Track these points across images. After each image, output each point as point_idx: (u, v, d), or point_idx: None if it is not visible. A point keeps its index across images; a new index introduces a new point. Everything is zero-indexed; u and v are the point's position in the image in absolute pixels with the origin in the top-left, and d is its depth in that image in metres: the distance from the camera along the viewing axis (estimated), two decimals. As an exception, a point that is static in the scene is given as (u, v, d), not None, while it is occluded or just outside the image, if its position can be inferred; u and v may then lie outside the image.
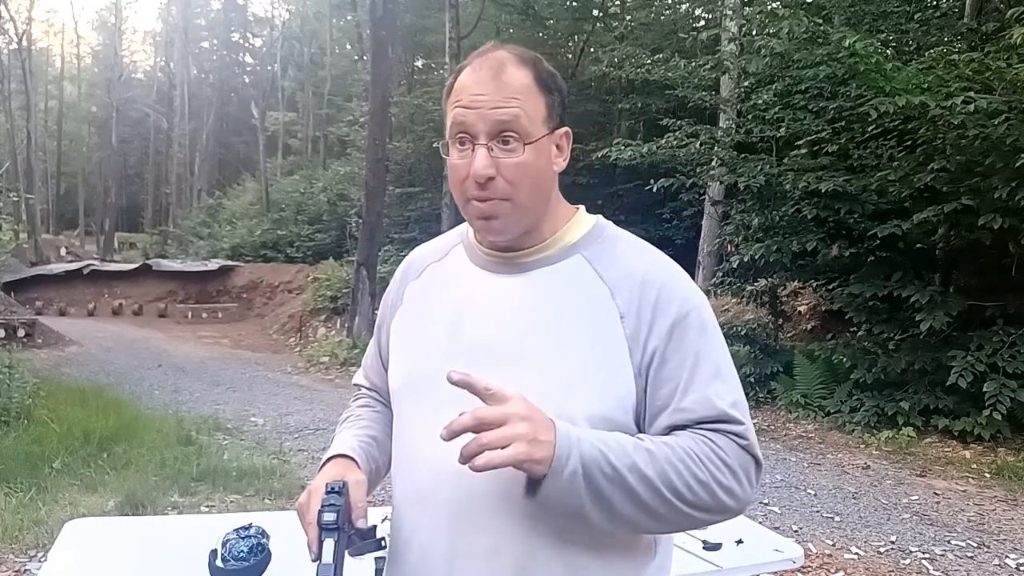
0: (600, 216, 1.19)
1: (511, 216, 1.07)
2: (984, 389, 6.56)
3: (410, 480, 1.13)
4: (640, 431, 1.05)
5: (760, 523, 2.87)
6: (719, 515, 1.03)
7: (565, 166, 1.13)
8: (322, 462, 1.15)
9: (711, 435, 1.02)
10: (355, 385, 1.39)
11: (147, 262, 22.50)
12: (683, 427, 1.03)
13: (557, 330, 1.06)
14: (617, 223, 1.20)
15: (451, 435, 0.92)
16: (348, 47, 28.76)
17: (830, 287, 8.75)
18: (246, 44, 44.61)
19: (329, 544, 0.97)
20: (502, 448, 0.91)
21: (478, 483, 0.99)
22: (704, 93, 10.22)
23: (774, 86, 8.74)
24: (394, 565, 1.16)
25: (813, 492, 5.51)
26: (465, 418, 0.92)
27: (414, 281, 1.23)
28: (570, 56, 18.07)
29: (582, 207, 1.19)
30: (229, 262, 21.63)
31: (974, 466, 6.27)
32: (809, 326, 9.98)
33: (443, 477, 1.04)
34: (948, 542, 4.58)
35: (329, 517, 0.98)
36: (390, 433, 1.23)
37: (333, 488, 1.01)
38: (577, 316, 1.07)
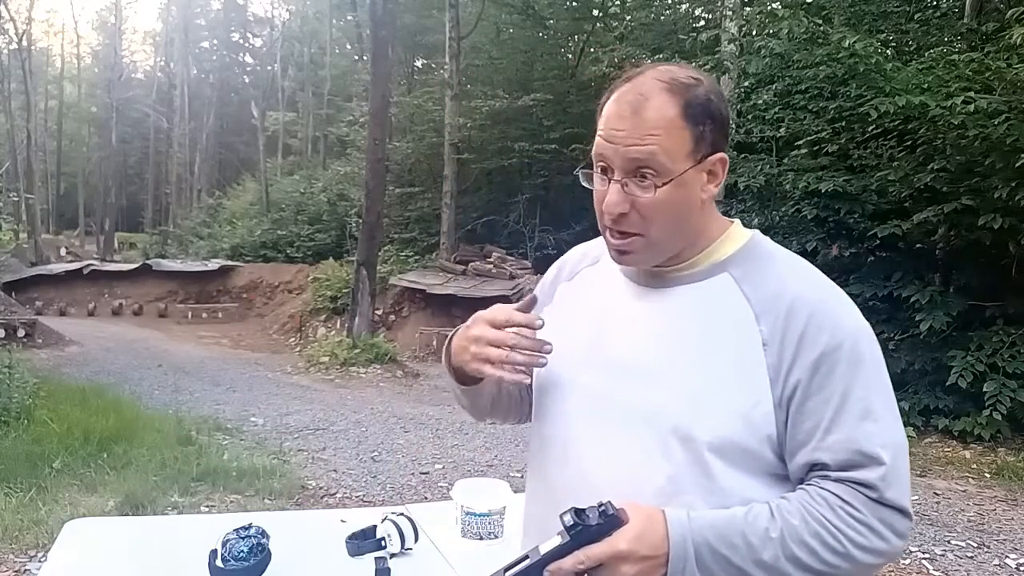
0: (756, 231, 1.15)
1: (643, 252, 1.07)
2: (984, 389, 6.56)
3: (541, 479, 1.18)
4: (783, 463, 1.03)
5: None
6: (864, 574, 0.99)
7: (716, 191, 1.09)
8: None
9: (844, 491, 0.97)
10: None
11: (147, 262, 22.48)
12: (821, 467, 0.99)
13: (692, 350, 1.04)
14: None
15: None
16: (348, 47, 28.77)
17: (830, 287, 8.73)
18: (246, 44, 44.65)
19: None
20: None
21: (606, 495, 0.99)
22: (704, 93, 10.21)
23: (774, 86, 8.75)
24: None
25: (813, 492, 5.50)
26: (567, 564, 0.93)
27: (567, 283, 1.25)
28: (570, 56, 18.08)
29: (737, 221, 1.16)
30: (229, 262, 21.61)
31: (974, 466, 6.27)
32: (809, 326, 9.96)
33: (574, 483, 1.08)
34: (948, 542, 4.57)
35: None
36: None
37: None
38: (716, 338, 1.04)
